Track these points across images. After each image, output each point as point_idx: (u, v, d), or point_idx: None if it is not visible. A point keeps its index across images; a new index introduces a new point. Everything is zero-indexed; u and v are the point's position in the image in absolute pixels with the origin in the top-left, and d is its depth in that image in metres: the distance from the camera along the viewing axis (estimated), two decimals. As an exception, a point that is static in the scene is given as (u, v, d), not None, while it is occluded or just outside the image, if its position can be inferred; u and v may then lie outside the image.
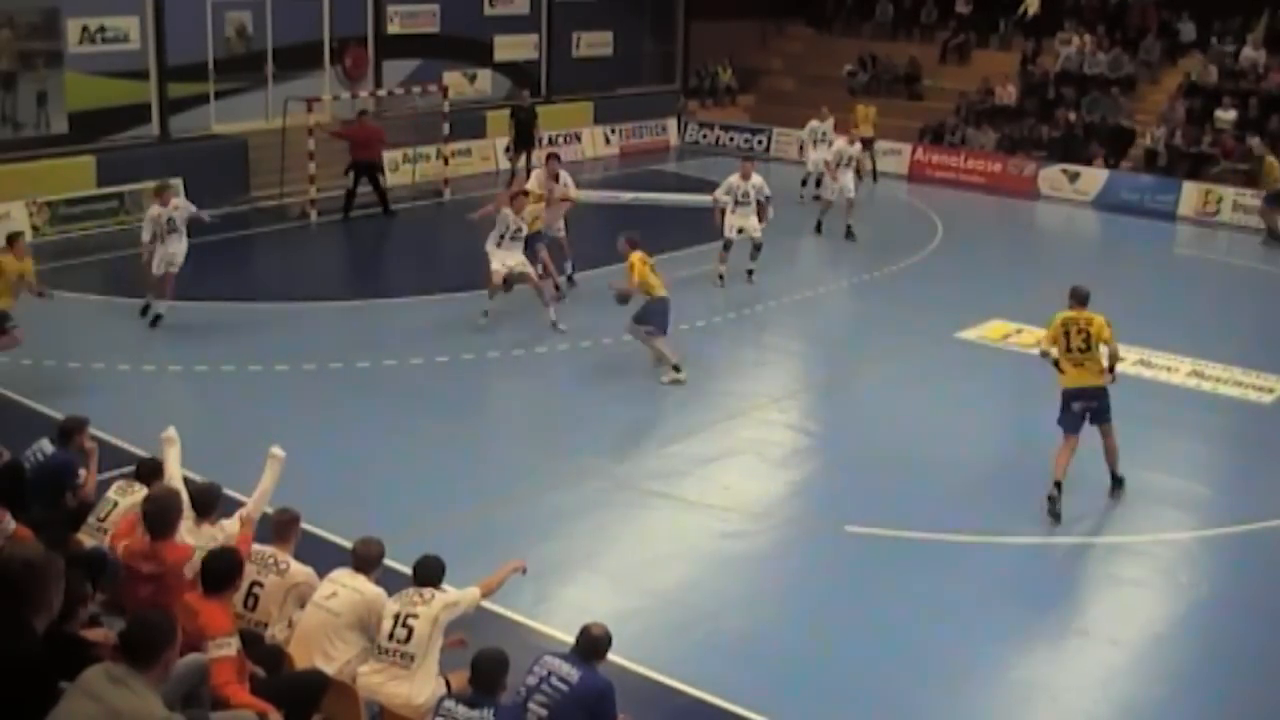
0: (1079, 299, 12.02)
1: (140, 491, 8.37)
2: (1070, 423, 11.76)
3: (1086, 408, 11.79)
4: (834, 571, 10.74)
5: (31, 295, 14.19)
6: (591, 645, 6.83)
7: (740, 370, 15.65)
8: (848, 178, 21.86)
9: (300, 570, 7.69)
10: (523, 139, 26.23)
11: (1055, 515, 11.39)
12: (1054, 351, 11.92)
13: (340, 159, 24.05)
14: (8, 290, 13.95)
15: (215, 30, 23.85)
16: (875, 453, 13.10)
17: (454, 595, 7.46)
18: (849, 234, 21.77)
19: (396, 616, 7.26)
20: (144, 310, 16.34)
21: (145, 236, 16.19)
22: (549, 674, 6.69)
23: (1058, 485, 11.45)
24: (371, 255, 21.76)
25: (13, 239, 14.35)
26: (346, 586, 7.45)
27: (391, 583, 7.70)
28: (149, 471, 8.63)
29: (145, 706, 5.19)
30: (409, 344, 15.51)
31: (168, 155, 22.41)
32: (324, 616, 7.36)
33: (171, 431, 8.75)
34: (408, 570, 7.61)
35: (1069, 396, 11.83)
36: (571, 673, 6.66)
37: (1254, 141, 25.62)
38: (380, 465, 12.42)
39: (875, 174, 26.99)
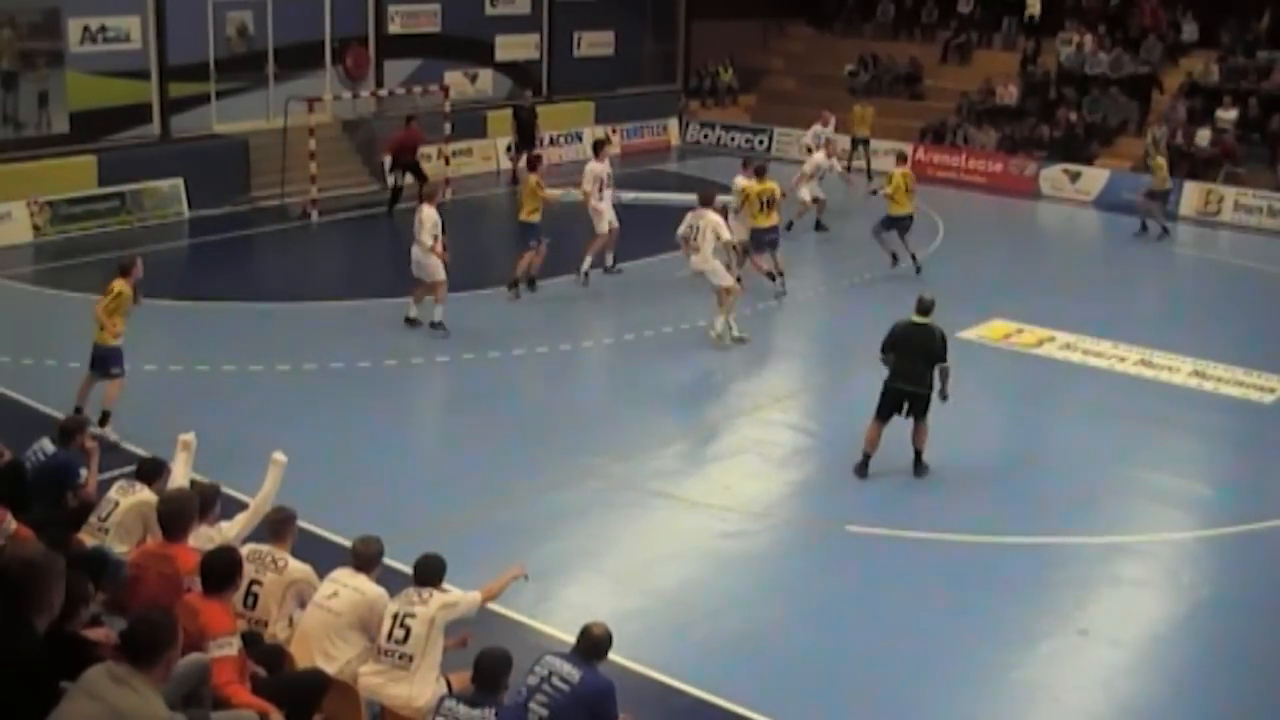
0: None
1: (142, 491, 8.38)
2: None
3: None
4: (835, 571, 10.74)
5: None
6: (593, 645, 6.82)
7: (742, 370, 15.64)
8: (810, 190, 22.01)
9: (298, 567, 7.69)
10: (525, 138, 26.25)
11: None
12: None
13: (338, 159, 24.18)
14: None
15: (216, 30, 23.84)
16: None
17: (453, 596, 7.46)
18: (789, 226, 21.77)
19: (395, 617, 7.26)
20: (607, 268, 18.25)
21: (587, 186, 17.86)
22: (550, 674, 6.69)
23: None
24: (373, 255, 21.76)
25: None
26: (347, 586, 7.45)
27: (392, 582, 7.69)
28: (150, 471, 8.63)
29: (147, 707, 5.20)
30: (410, 344, 15.52)
31: (169, 155, 22.44)
32: (325, 616, 7.36)
33: (191, 437, 8.75)
34: (408, 570, 7.60)
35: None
36: (573, 673, 6.66)
37: (1151, 133, 25.96)
38: (381, 465, 12.42)
39: (870, 173, 26.94)
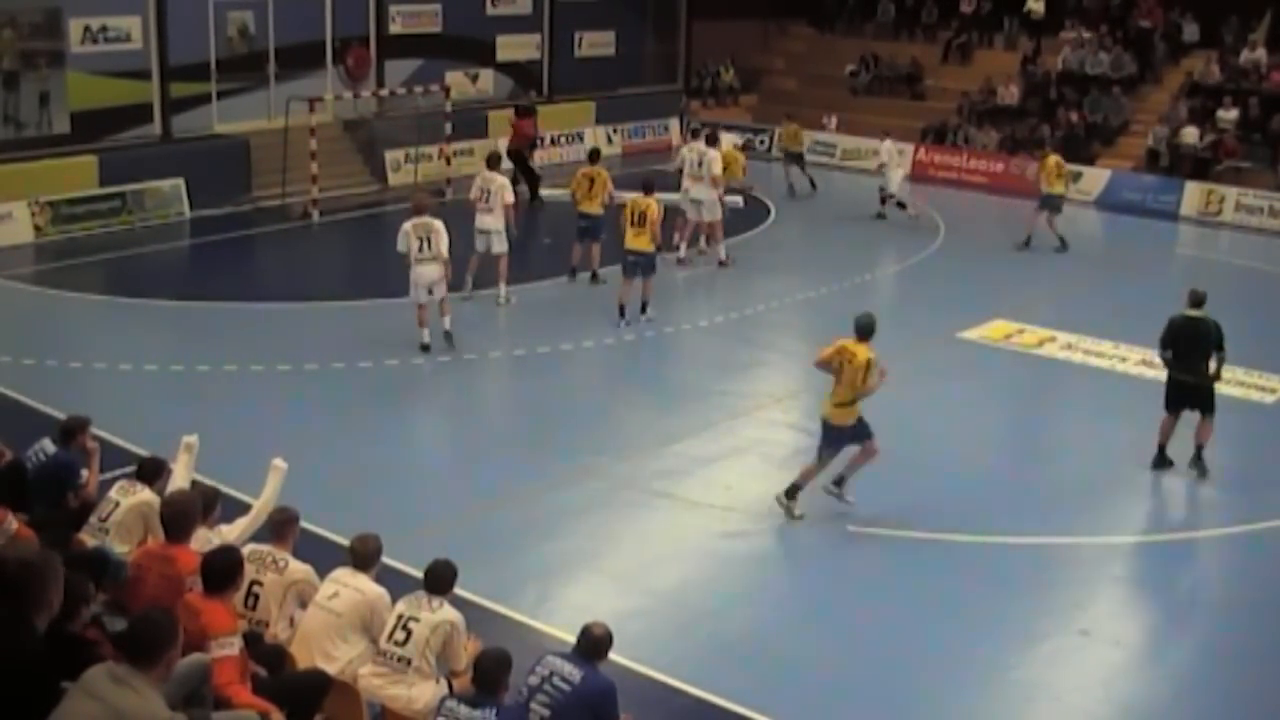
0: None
1: (143, 492, 8.37)
2: None
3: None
4: (835, 571, 10.74)
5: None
6: (593, 645, 6.82)
7: (742, 370, 15.65)
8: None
9: (299, 568, 7.68)
10: None
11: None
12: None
13: (339, 159, 24.20)
14: None
15: (217, 30, 23.83)
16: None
17: (458, 639, 7.29)
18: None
19: (399, 618, 7.25)
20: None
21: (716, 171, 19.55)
22: (551, 674, 6.68)
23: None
24: (374, 255, 21.76)
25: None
26: (348, 586, 7.44)
27: (392, 583, 7.69)
28: (151, 472, 8.63)
29: (148, 707, 5.20)
30: (412, 344, 15.50)
31: (170, 155, 22.43)
32: (326, 617, 7.35)
33: (193, 439, 8.73)
34: (410, 570, 7.60)
35: None
36: (574, 673, 6.65)
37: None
38: (382, 465, 12.42)
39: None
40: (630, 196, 17.17)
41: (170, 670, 5.49)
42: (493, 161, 17.98)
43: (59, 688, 5.27)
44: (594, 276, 18.37)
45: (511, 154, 23.96)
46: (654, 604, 9.96)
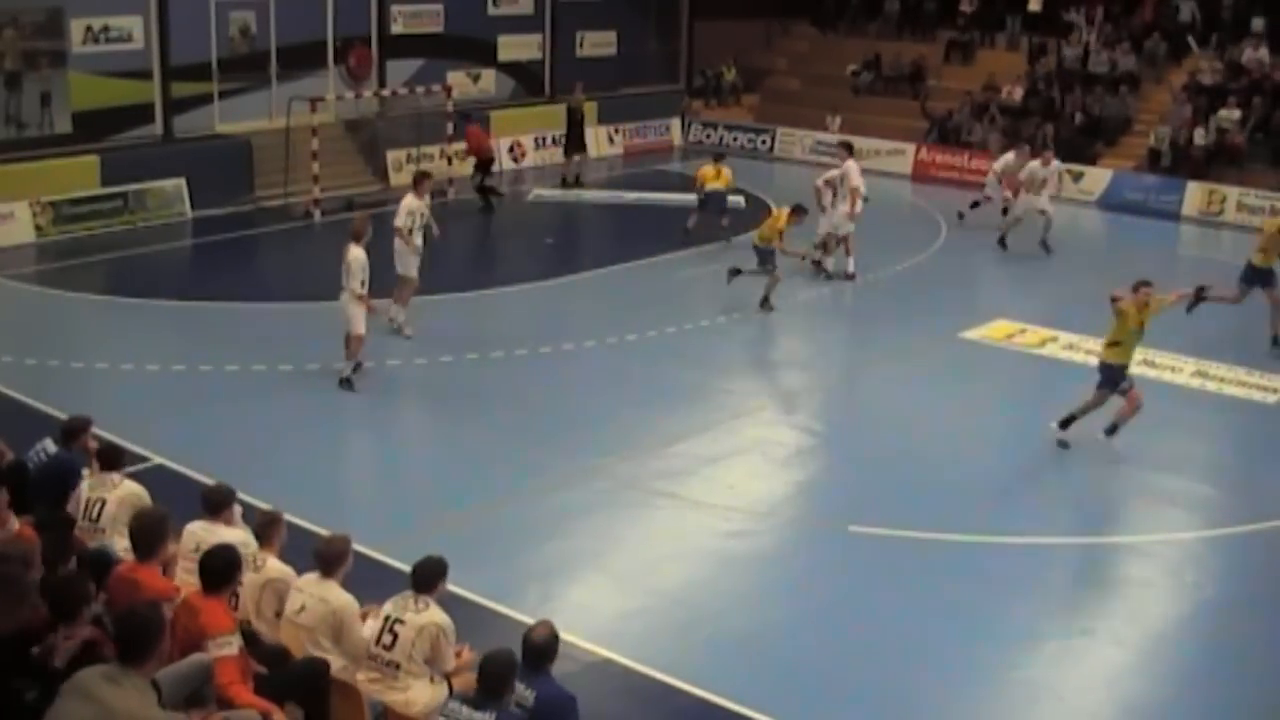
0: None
1: (123, 483, 8.35)
2: None
3: None
4: (838, 571, 10.72)
5: None
6: (538, 653, 6.39)
7: (745, 370, 15.64)
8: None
9: (276, 566, 7.55)
10: (573, 139, 26.19)
11: None
12: None
13: (341, 159, 24.22)
14: None
15: (219, 30, 23.83)
16: (879, 452, 13.09)
17: (445, 643, 7.17)
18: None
19: (387, 619, 7.17)
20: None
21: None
22: None
23: None
24: (375, 256, 21.72)
25: None
26: (313, 597, 7.26)
27: (397, 584, 7.67)
28: (113, 458, 8.62)
29: (142, 707, 5.19)
30: (414, 344, 15.50)
31: (172, 155, 22.44)
32: (297, 631, 7.26)
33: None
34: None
35: None
36: (526, 694, 6.26)
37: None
38: (385, 465, 12.42)
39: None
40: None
41: (160, 664, 5.48)
42: (418, 181, 16.15)
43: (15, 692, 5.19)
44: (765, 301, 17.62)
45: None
46: (656, 604, 9.95)
